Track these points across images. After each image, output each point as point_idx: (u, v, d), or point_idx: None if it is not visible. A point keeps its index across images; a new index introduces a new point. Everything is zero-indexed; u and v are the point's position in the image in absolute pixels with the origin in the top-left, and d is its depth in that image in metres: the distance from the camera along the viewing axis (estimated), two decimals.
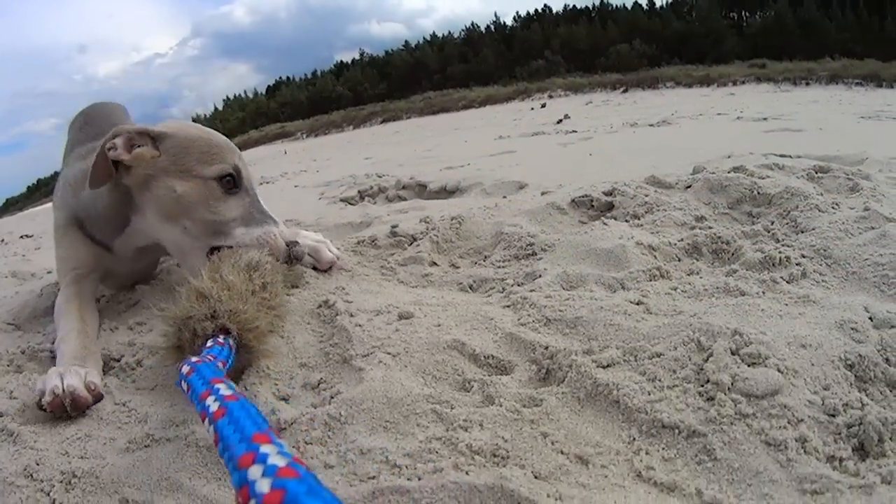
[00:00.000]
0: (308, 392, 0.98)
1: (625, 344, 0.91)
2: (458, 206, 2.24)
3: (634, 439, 0.71)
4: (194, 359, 0.82)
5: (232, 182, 1.30)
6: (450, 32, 44.57)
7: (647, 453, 0.68)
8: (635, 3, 39.52)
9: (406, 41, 45.30)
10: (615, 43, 32.31)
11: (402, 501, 0.62)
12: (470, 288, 1.42)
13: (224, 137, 1.40)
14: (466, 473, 0.64)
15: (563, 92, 16.52)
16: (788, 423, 0.67)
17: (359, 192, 3.08)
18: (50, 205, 1.94)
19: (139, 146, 1.28)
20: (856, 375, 0.76)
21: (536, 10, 42.11)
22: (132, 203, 1.35)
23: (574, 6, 42.11)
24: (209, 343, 0.93)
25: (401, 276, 1.53)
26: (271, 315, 1.09)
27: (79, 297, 1.41)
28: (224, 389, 0.67)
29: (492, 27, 42.20)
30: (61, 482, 0.83)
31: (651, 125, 4.94)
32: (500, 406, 0.81)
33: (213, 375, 0.74)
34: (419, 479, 0.67)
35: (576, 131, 5.09)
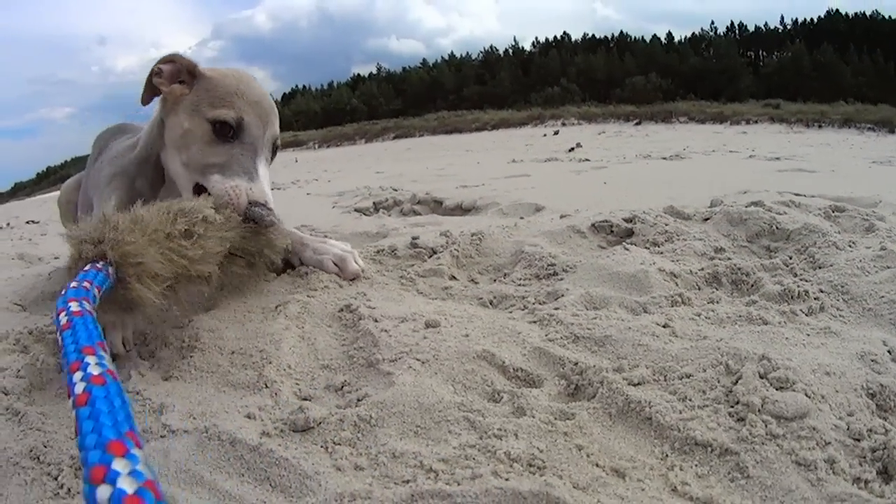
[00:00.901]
0: (331, 394, 1.00)
1: (654, 364, 0.95)
2: (475, 223, 2.29)
3: (667, 455, 0.75)
4: (72, 284, 0.81)
5: (228, 130, 1.32)
6: (468, 53, 45.61)
7: (681, 469, 0.72)
8: (654, 36, 40.50)
9: (424, 59, 46.42)
10: (631, 74, 32.96)
11: None
12: (490, 303, 1.45)
13: (259, 91, 1.41)
14: (507, 480, 0.67)
15: (577, 120, 16.80)
16: (817, 444, 0.70)
17: (374, 203, 3.13)
18: (57, 193, 1.97)
19: (181, 81, 1.37)
20: (877, 404, 0.80)
21: (555, 37, 43.40)
22: (162, 140, 1.42)
23: (593, 35, 43.40)
24: (87, 267, 0.91)
25: (420, 287, 1.56)
26: (180, 264, 1.06)
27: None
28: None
29: (510, 51, 43.34)
30: (70, 467, 0.82)
31: (664, 158, 5.03)
32: (533, 417, 0.84)
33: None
34: (458, 483, 0.69)
35: (589, 160, 5.18)
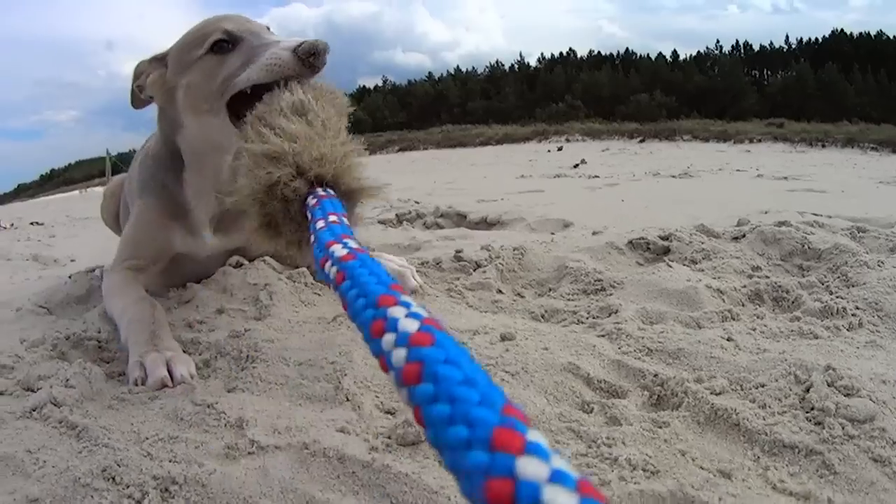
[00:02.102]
0: None
1: (728, 375, 1.09)
2: (507, 237, 2.42)
3: (759, 457, 0.89)
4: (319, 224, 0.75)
5: (226, 45, 1.31)
6: (473, 68, 46.50)
7: (775, 469, 0.85)
8: (659, 53, 41.64)
9: (430, 72, 47.20)
10: (636, 92, 33.84)
11: None
12: (542, 317, 1.57)
13: (219, 15, 1.41)
14: (637, 483, 0.79)
15: (581, 137, 17.27)
16: (887, 443, 0.85)
17: (396, 215, 3.25)
18: (60, 196, 2.04)
19: (150, 74, 1.42)
20: None
21: (561, 53, 44.52)
22: (176, 123, 1.43)
23: (598, 52, 44.57)
24: (312, 202, 0.85)
25: (470, 300, 1.66)
26: (349, 149, 1.00)
27: (136, 280, 1.44)
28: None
29: (515, 66, 44.40)
30: (156, 489, 0.78)
31: (673, 176, 5.25)
32: (631, 426, 0.96)
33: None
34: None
35: (598, 176, 5.39)
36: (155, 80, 1.42)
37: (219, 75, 1.29)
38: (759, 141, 14.43)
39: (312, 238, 0.74)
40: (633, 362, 1.18)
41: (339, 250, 0.63)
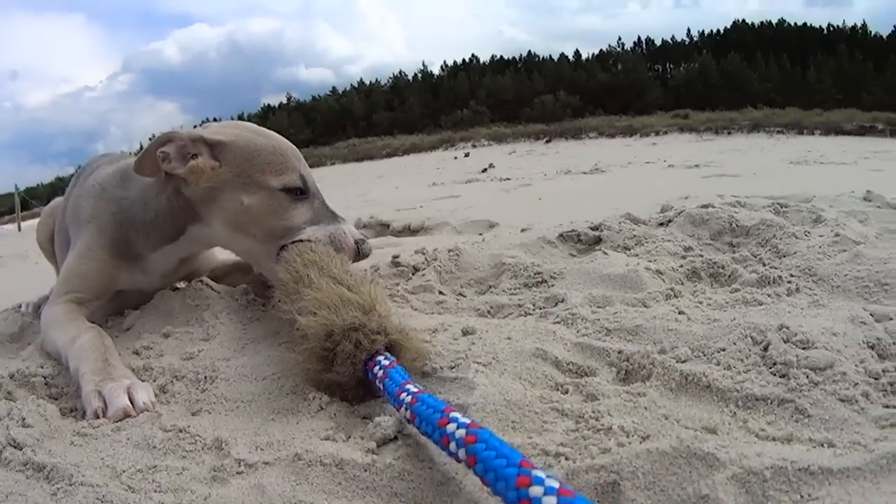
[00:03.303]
0: None
1: (689, 343, 1.17)
2: (434, 242, 2.46)
3: (735, 413, 0.96)
4: (413, 388, 0.96)
5: (299, 190, 1.43)
6: (377, 80, 47.94)
7: (753, 420, 0.93)
8: (562, 54, 44.24)
9: (333, 87, 48.45)
10: (540, 94, 35.45)
11: (604, 476, 0.79)
12: (488, 313, 1.62)
13: (285, 141, 1.51)
14: (638, 445, 0.83)
15: (487, 142, 17.88)
16: (850, 384, 0.95)
17: None
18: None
19: (193, 156, 1.37)
20: (878, 353, 1.07)
21: (464, 60, 46.71)
22: (193, 212, 1.44)
23: (501, 57, 47.09)
24: (386, 362, 1.05)
25: (414, 303, 1.70)
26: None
27: (78, 312, 1.46)
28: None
29: (419, 76, 46.29)
30: None
31: (584, 173, 5.53)
32: (610, 399, 1.02)
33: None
34: (594, 458, 0.81)
35: (509, 179, 5.58)
36: (203, 170, 1.37)
37: (286, 219, 1.41)
38: (666, 133, 15.58)
39: (406, 401, 0.94)
40: (596, 342, 1.24)
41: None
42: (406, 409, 0.92)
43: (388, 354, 1.09)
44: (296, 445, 0.94)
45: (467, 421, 0.82)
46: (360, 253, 1.46)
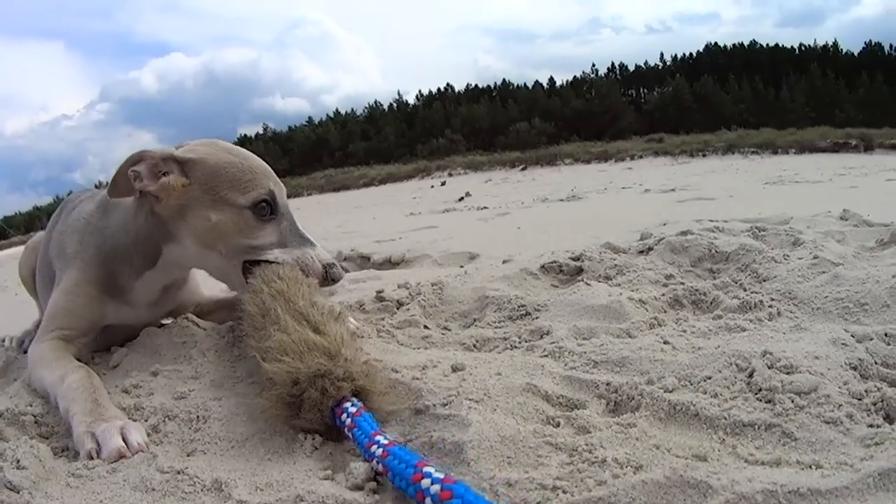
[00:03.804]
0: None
1: (675, 373, 1.21)
2: (418, 275, 2.49)
3: (724, 439, 1.00)
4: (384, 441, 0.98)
5: (267, 208, 1.44)
6: (353, 110, 49.10)
7: (742, 445, 0.96)
8: (536, 81, 45.32)
9: (310, 117, 49.42)
10: (515, 121, 36.22)
11: None
12: (474, 347, 1.65)
13: (257, 159, 1.53)
14: (633, 476, 0.87)
15: (463, 170, 18.14)
16: (834, 406, 1.00)
17: None
18: None
19: (164, 173, 1.41)
20: (860, 374, 1.13)
21: (439, 89, 47.93)
22: (166, 231, 1.47)
23: (476, 85, 48.39)
24: (353, 409, 1.07)
25: (399, 338, 1.72)
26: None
27: (66, 350, 1.48)
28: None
29: (394, 105, 47.39)
30: None
31: (561, 200, 5.63)
32: (601, 431, 1.05)
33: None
34: (591, 490, 0.84)
35: (487, 207, 5.66)
36: (173, 187, 1.41)
37: (252, 237, 1.43)
38: (641, 157, 15.92)
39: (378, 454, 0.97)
40: (584, 375, 1.27)
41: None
42: (378, 462, 0.95)
43: (356, 400, 1.11)
44: (296, 486, 0.96)
45: (441, 476, 0.84)
46: (328, 278, 1.47)
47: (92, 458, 1.09)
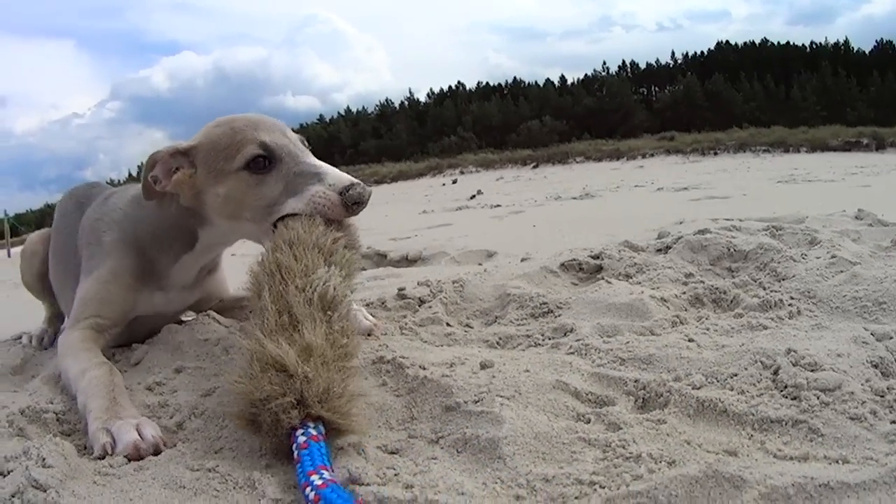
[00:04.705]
0: (423, 442, 1.11)
1: (702, 371, 1.25)
2: (437, 272, 2.54)
3: (752, 435, 1.04)
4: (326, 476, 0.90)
5: (262, 160, 1.40)
6: (364, 108, 49.44)
7: (770, 441, 1.01)
8: (547, 79, 45.53)
9: (321, 115, 49.79)
10: (526, 119, 36.26)
11: (643, 503, 0.85)
12: (497, 344, 1.68)
13: (242, 117, 1.49)
14: (668, 471, 0.90)
15: (475, 168, 18.16)
16: (858, 403, 1.04)
17: None
18: None
19: (176, 169, 1.46)
20: (881, 371, 1.17)
21: (450, 87, 48.16)
22: (197, 217, 1.52)
23: (487, 83, 48.57)
24: (302, 439, 0.98)
25: (423, 336, 1.75)
26: (351, 370, 1.13)
27: (94, 342, 1.50)
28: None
29: (405, 103, 47.72)
30: None
31: (574, 198, 5.66)
32: (633, 427, 1.09)
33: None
34: (628, 486, 0.87)
35: (500, 205, 5.69)
36: (183, 181, 1.46)
37: (260, 196, 1.40)
38: (652, 155, 15.97)
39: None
40: (612, 372, 1.31)
41: None
42: None
43: (311, 427, 1.02)
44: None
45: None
46: (349, 204, 1.35)
47: (106, 453, 1.09)
